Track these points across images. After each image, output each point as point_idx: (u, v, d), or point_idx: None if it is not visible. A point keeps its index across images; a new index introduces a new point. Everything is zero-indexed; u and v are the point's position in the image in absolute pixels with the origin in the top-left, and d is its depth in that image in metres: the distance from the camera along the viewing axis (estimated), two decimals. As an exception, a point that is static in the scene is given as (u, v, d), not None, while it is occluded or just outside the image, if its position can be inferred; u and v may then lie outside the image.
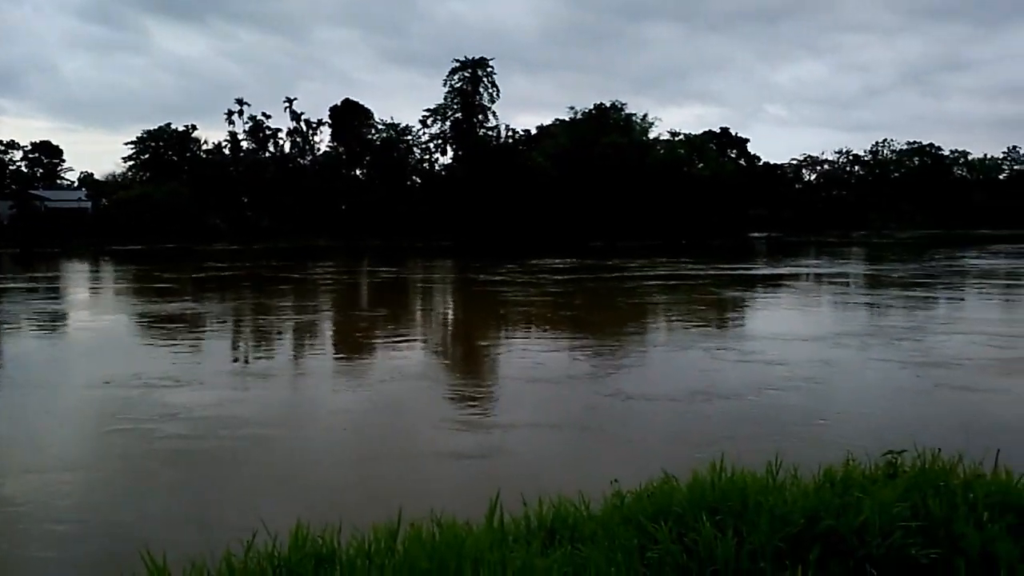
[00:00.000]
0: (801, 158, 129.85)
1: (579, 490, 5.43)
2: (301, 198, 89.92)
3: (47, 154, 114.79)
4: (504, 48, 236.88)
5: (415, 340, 19.42)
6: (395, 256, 57.50)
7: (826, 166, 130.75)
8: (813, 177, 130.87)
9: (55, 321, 23.39)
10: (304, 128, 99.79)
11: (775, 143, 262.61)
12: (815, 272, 42.75)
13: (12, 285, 34.37)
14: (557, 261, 47.94)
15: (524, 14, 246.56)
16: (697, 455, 6.85)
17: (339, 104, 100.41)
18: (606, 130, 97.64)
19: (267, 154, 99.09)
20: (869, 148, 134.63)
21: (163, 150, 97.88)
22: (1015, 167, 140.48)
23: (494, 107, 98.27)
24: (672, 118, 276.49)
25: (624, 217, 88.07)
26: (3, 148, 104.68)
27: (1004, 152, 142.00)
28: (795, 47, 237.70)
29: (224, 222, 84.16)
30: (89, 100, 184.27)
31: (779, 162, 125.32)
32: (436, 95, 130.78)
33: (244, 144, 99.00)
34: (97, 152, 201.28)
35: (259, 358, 17.78)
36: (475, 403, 12.74)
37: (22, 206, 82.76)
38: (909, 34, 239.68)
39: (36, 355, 18.14)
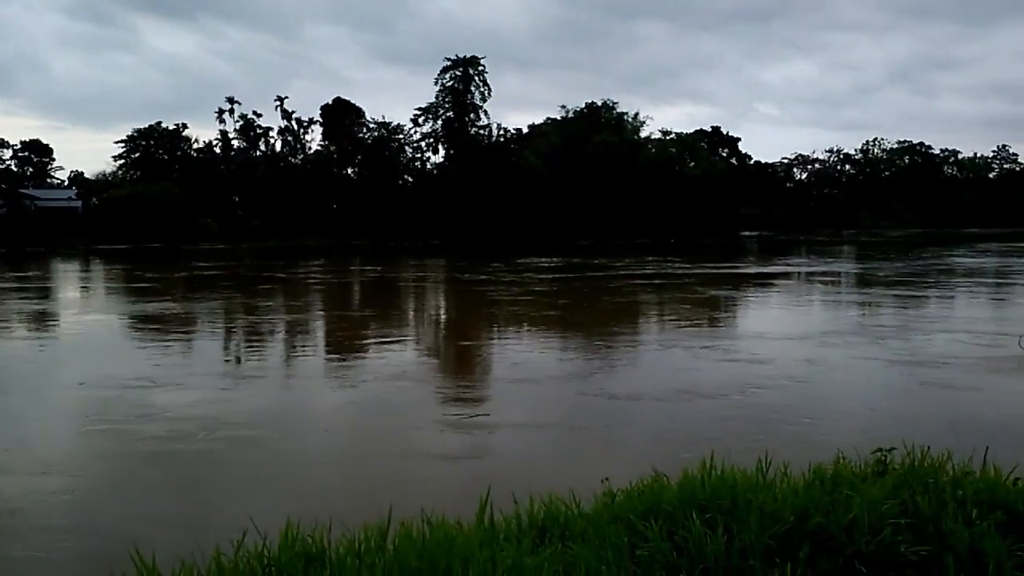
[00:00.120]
0: (792, 157, 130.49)
1: (570, 489, 5.43)
2: (292, 197, 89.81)
3: (37, 153, 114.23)
4: (495, 46, 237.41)
5: (394, 341, 19.14)
6: (383, 255, 57.38)
7: (817, 165, 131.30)
8: (804, 176, 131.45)
9: (32, 321, 23.07)
10: (295, 127, 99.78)
11: (766, 142, 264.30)
12: (802, 271, 42.81)
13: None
14: (544, 260, 47.91)
15: (515, 12, 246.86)
16: (684, 455, 6.85)
17: (330, 103, 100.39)
18: (598, 129, 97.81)
19: (258, 153, 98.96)
20: (860, 147, 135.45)
21: (153, 149, 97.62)
22: (1005, 166, 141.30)
23: (485, 106, 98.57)
24: (663, 117, 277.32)
25: (616, 216, 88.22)
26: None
27: (994, 151, 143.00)
28: (786, 46, 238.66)
29: (215, 221, 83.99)
30: (79, 98, 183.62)
31: (770, 161, 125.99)
32: (427, 94, 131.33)
33: (235, 143, 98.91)
34: (87, 151, 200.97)
35: (236, 359, 17.53)
36: (456, 404, 12.64)
37: (11, 205, 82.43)
38: (899, 33, 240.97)
39: (9, 355, 17.90)
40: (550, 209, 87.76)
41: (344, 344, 19.29)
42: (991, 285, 32.70)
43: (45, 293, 31.59)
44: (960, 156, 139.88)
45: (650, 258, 49.40)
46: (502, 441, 10.44)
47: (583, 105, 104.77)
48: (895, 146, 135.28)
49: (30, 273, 41.69)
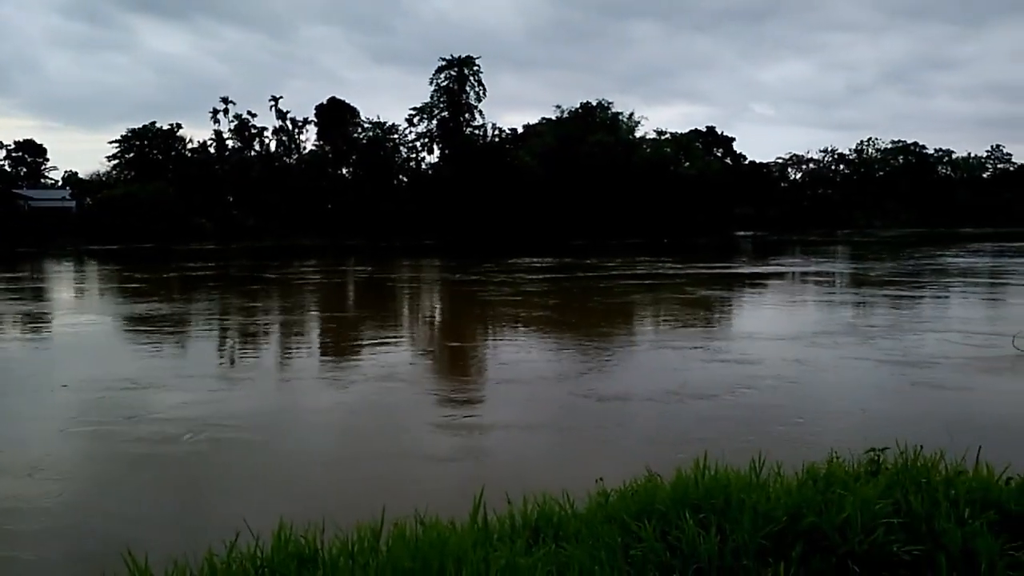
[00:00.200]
0: (787, 157, 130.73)
1: (563, 489, 5.43)
2: (287, 197, 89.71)
3: (31, 153, 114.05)
4: (490, 46, 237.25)
5: (382, 342, 18.90)
6: (375, 255, 57.20)
7: (811, 165, 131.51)
8: (799, 176, 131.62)
9: (15, 323, 22.77)
10: (290, 127, 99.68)
11: (761, 142, 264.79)
12: (793, 271, 42.74)
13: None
14: (536, 260, 47.82)
15: (510, 12, 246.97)
16: (676, 455, 6.83)
17: (325, 103, 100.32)
18: (592, 129, 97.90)
19: (253, 153, 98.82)
20: (854, 147, 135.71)
21: (148, 149, 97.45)
22: (999, 166, 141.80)
23: (480, 106, 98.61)
24: (658, 117, 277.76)
25: (610, 216, 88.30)
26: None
27: (987, 151, 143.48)
28: (780, 46, 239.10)
29: (210, 221, 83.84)
30: (73, 98, 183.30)
31: (765, 161, 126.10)
32: (422, 93, 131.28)
33: (229, 143, 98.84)
34: (81, 151, 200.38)
35: (222, 361, 17.30)
36: (445, 405, 12.52)
37: (5, 205, 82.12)
38: (893, 33, 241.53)
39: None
40: (545, 209, 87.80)
41: (332, 345, 19.15)
42: (982, 285, 32.71)
43: (31, 294, 31.20)
44: (954, 156, 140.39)
45: (642, 258, 49.29)
46: (492, 442, 10.35)
47: (578, 105, 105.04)
48: (889, 146, 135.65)
49: (18, 274, 41.37)
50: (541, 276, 37.10)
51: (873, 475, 5.36)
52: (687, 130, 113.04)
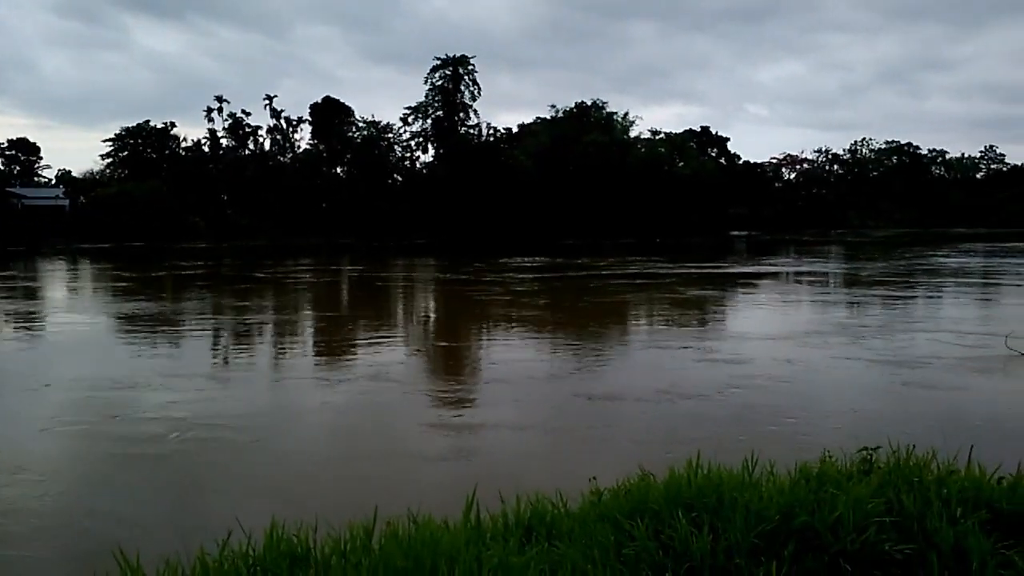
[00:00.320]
0: (781, 157, 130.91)
1: (556, 488, 5.43)
2: (281, 196, 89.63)
3: (24, 151, 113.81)
4: (486, 46, 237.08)
5: (369, 342, 18.84)
6: (367, 255, 57.06)
7: (806, 165, 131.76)
8: (793, 176, 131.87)
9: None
10: (284, 126, 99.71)
11: (755, 142, 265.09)
12: (784, 271, 42.71)
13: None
14: (527, 260, 47.77)
15: (505, 12, 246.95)
16: (667, 455, 6.84)
17: (319, 102, 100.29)
18: (587, 129, 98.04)
19: (247, 152, 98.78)
20: (848, 147, 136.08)
21: (142, 147, 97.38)
22: (992, 166, 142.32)
23: (475, 105, 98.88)
24: (653, 117, 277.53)
25: (605, 216, 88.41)
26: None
27: (981, 151, 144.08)
28: (775, 47, 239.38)
29: (203, 220, 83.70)
30: (67, 97, 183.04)
31: (759, 161, 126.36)
32: (417, 93, 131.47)
33: (224, 142, 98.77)
34: (75, 149, 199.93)
35: (208, 360, 17.01)
36: (433, 405, 12.41)
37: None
38: (888, 34, 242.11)
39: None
40: (539, 209, 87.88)
41: (319, 345, 18.98)
42: (973, 285, 32.73)
43: (17, 292, 30.92)
44: (948, 156, 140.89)
45: (634, 258, 49.22)
46: (481, 442, 10.27)
47: (573, 105, 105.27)
48: (883, 146, 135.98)
49: (5, 272, 41.08)
50: (531, 276, 36.99)
51: (865, 474, 5.37)
52: (682, 130, 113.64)
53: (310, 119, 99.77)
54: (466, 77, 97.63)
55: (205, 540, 4.60)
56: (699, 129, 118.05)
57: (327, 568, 4.18)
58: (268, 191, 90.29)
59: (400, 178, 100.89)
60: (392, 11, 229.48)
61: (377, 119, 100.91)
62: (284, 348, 18.71)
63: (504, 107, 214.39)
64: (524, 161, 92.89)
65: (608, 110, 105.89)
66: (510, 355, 17.02)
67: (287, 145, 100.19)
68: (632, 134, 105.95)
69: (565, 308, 25.49)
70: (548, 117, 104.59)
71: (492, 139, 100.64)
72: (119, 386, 13.44)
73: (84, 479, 8.96)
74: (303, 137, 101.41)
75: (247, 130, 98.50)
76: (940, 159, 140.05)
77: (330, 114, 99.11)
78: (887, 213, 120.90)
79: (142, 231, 73.85)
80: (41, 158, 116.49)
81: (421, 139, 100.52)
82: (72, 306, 27.48)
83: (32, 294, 30.95)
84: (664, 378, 13.75)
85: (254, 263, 48.08)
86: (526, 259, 48.41)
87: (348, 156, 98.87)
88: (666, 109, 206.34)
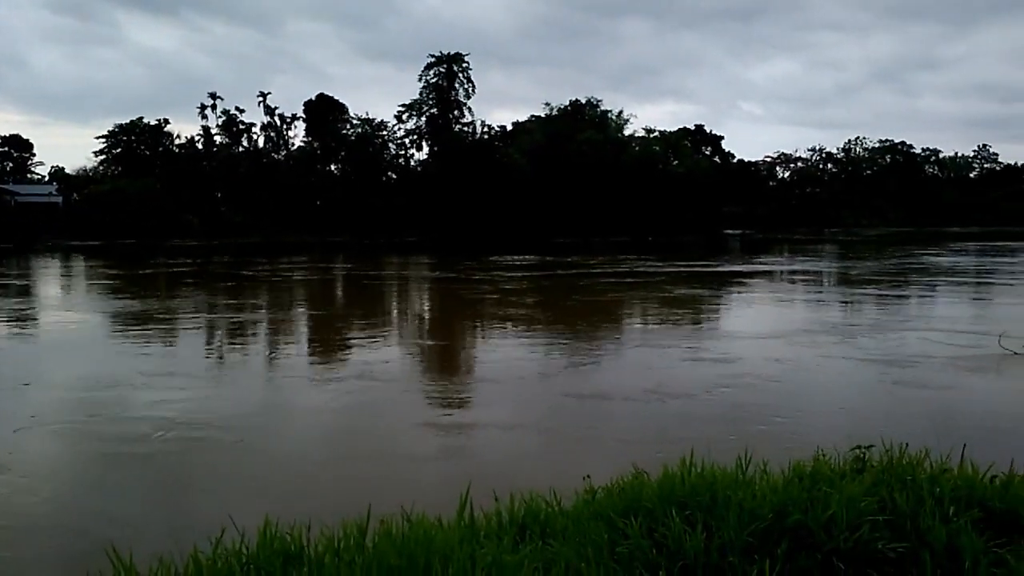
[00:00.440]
0: (775, 156, 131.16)
1: (550, 486, 5.43)
2: (275, 193, 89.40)
3: (17, 148, 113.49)
4: (480, 43, 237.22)
5: (355, 340, 18.72)
6: (359, 252, 56.94)
7: (799, 163, 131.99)
8: (787, 174, 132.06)
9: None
10: (278, 123, 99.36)
11: (749, 140, 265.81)
12: (775, 269, 42.71)
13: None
14: (518, 258, 47.74)
15: (500, 10, 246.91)
16: (656, 454, 6.81)
17: (314, 99, 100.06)
18: (581, 127, 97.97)
19: (240, 149, 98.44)
20: (842, 146, 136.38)
21: (135, 144, 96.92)
22: (985, 165, 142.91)
23: (470, 103, 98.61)
24: (647, 115, 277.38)
25: (599, 214, 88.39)
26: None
27: (975, 150, 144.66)
28: (769, 45, 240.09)
29: (197, 218, 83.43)
30: (60, 93, 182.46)
31: (753, 159, 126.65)
32: (411, 90, 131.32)
33: (217, 139, 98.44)
34: (68, 146, 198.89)
35: (187, 358, 16.72)
36: (421, 405, 12.32)
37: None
38: (881, 33, 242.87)
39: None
40: (533, 207, 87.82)
41: (302, 344, 18.87)
42: (962, 284, 32.75)
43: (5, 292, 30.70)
44: (941, 155, 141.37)
45: (625, 257, 49.21)
46: (470, 443, 10.22)
47: (567, 103, 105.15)
48: (877, 145, 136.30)
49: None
50: (521, 274, 36.90)
51: (859, 473, 5.38)
52: (676, 128, 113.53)
53: (304, 116, 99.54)
54: (460, 75, 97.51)
55: (192, 539, 4.58)
56: (693, 127, 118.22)
57: (320, 566, 4.18)
58: (262, 188, 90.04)
59: (394, 176, 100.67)
60: (385, 8, 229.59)
61: (371, 116, 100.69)
62: (268, 347, 18.51)
63: (498, 105, 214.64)
64: (518, 159, 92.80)
65: (602, 108, 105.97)
66: (498, 354, 16.97)
67: (281, 142, 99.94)
68: (626, 132, 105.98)
69: (553, 307, 25.36)
70: (542, 115, 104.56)
71: (486, 137, 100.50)
72: (100, 385, 13.35)
73: (59, 479, 8.86)
74: (297, 134, 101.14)
75: (241, 127, 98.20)
76: (934, 158, 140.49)
77: (324, 111, 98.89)
78: (881, 212, 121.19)
79: (136, 229, 73.57)
80: (34, 155, 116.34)
81: (415, 136, 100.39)
82: (56, 304, 27.32)
83: (17, 292, 30.70)
84: (652, 377, 13.70)
85: (243, 261, 47.78)
86: (516, 257, 48.40)
87: (342, 153, 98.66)
88: (660, 107, 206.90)
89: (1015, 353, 15.02)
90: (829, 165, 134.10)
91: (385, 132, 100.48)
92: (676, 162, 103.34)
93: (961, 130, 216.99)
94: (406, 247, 63.48)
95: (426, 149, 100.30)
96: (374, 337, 19.42)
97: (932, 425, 9.50)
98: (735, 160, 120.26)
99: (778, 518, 4.53)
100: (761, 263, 47.24)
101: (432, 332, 21.22)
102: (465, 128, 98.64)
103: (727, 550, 4.27)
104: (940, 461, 5.64)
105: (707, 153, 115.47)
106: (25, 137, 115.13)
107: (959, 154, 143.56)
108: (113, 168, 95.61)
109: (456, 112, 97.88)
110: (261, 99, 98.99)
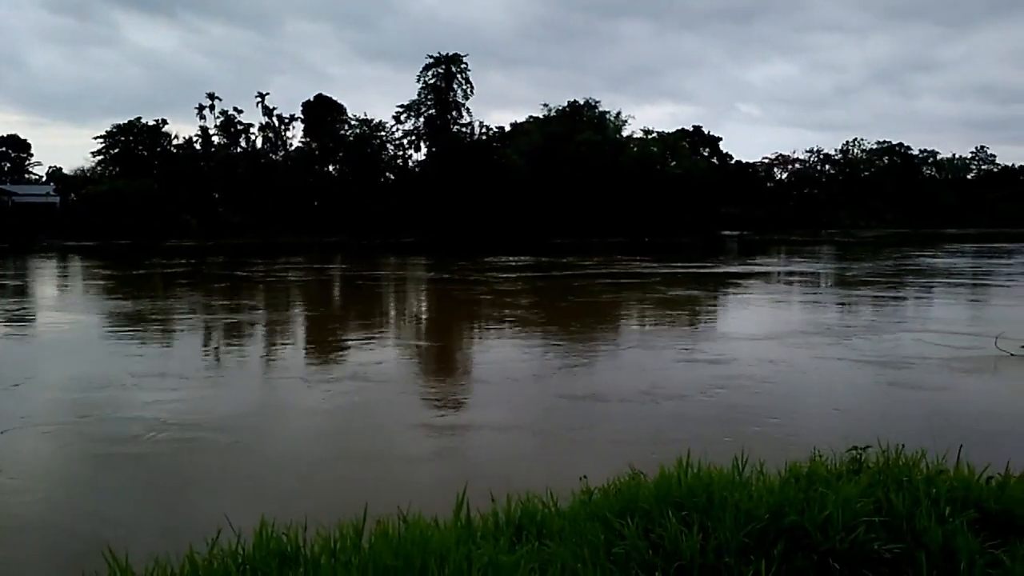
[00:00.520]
0: (773, 157, 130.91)
1: (547, 487, 5.43)
2: (273, 194, 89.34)
3: (15, 148, 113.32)
4: (477, 44, 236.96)
5: (345, 342, 18.61)
6: (355, 253, 56.90)
7: (797, 165, 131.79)
8: (785, 176, 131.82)
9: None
10: (276, 123, 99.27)
11: (747, 142, 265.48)
12: (770, 271, 42.63)
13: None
14: (513, 259, 47.72)
15: (498, 10, 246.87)
16: (651, 455, 6.80)
17: (312, 99, 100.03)
18: (580, 128, 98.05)
19: (239, 149, 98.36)
20: (840, 147, 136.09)
21: (133, 144, 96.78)
22: (983, 167, 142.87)
23: (468, 104, 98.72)
24: (645, 116, 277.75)
25: (597, 215, 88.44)
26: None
27: (972, 152, 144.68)
28: (767, 46, 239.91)
29: (195, 218, 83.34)
30: (58, 93, 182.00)
31: (751, 161, 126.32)
32: (410, 91, 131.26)
33: (215, 139, 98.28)
34: (66, 146, 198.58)
35: (176, 359, 16.60)
36: (413, 406, 12.27)
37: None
38: (879, 34, 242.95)
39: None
40: (531, 208, 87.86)
41: (294, 345, 18.84)
42: (956, 286, 32.70)
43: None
44: (939, 157, 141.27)
45: (621, 257, 49.20)
46: (463, 444, 10.19)
47: (565, 104, 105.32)
48: (875, 146, 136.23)
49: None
50: (515, 275, 36.86)
51: (855, 474, 5.38)
52: (674, 129, 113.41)
53: (302, 117, 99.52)
54: (459, 75, 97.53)
55: (184, 540, 4.58)
56: (691, 128, 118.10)
57: (317, 567, 4.18)
58: (260, 189, 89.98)
59: (392, 176, 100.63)
60: (384, 8, 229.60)
61: (369, 117, 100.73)
62: (260, 348, 18.46)
63: (496, 106, 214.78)
64: (516, 160, 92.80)
65: (601, 109, 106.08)
66: (491, 355, 16.98)
67: (279, 143, 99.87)
68: (625, 133, 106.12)
69: (547, 308, 25.29)
70: (540, 116, 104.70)
71: (484, 138, 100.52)
72: (91, 386, 13.31)
73: (50, 480, 8.84)
74: (295, 135, 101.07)
75: (239, 128, 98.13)
76: (931, 159, 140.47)
77: (322, 112, 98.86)
78: (878, 213, 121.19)
79: (133, 229, 73.50)
80: (32, 155, 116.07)
81: (413, 137, 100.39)
82: (47, 305, 27.24)
83: (11, 292, 30.55)
84: (647, 379, 13.68)
85: (238, 262, 47.61)
86: (512, 258, 48.39)
87: (340, 154, 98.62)
88: (658, 108, 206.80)
89: (1011, 354, 15.04)
90: (827, 166, 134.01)
91: (383, 133, 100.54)
92: (674, 163, 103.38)
93: (959, 131, 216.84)
94: (403, 248, 63.38)
95: (424, 150, 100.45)
96: (367, 338, 19.33)
97: (928, 426, 9.49)
98: (733, 161, 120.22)
99: (774, 519, 4.53)
100: (757, 264, 47.21)
101: (425, 333, 21.18)
102: (463, 129, 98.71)
103: (723, 551, 4.27)
104: (936, 462, 5.65)
105: (705, 154, 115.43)
106: (23, 137, 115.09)
107: (957, 156, 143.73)
108: (111, 168, 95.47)
109: (454, 113, 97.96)
110: (259, 99, 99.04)
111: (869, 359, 15.47)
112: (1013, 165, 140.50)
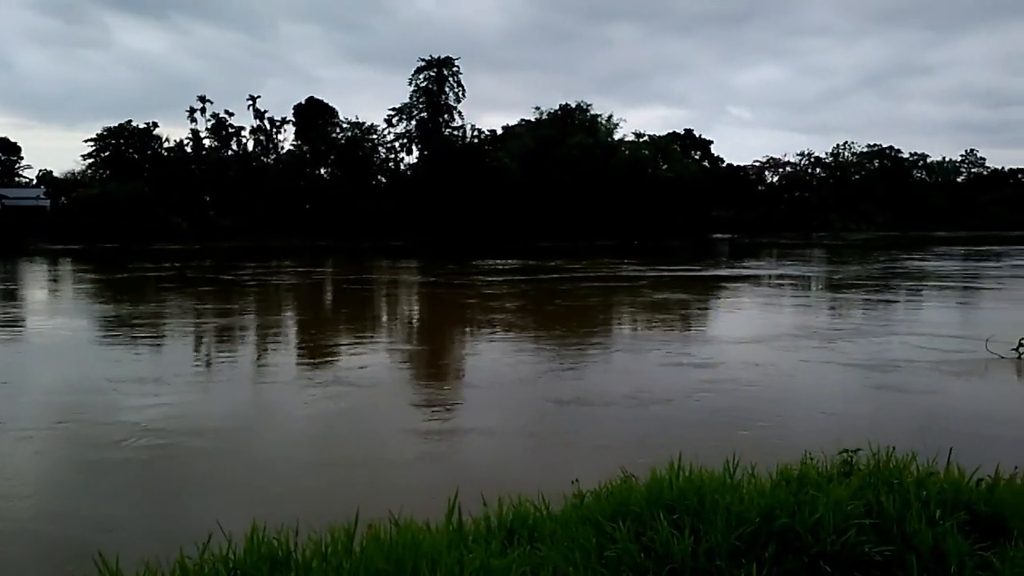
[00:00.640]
0: (764, 160, 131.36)
1: (539, 490, 5.43)
2: (264, 197, 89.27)
3: (5, 151, 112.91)
4: (468, 47, 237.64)
5: (328, 346, 18.51)
6: (344, 256, 56.79)
7: (788, 168, 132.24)
8: (776, 179, 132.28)
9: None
10: (267, 126, 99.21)
11: (739, 145, 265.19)
12: (760, 273, 42.57)
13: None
14: (500, 262, 47.68)
15: (490, 14, 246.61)
16: (639, 460, 6.79)
17: (303, 102, 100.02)
18: (571, 131, 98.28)
19: (230, 152, 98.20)
20: (830, 150, 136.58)
21: (124, 148, 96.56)
22: (972, 170, 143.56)
23: (460, 107, 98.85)
24: (636, 119, 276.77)
25: (589, 218, 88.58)
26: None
27: (962, 155, 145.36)
28: (757, 50, 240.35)
29: (186, 221, 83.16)
30: (48, 96, 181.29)
31: (742, 164, 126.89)
32: (401, 94, 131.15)
33: (207, 142, 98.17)
34: (57, 149, 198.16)
35: (155, 364, 16.42)
36: (402, 410, 12.18)
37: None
38: (869, 38, 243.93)
39: None
40: (523, 211, 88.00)
41: (276, 348, 18.70)
42: (948, 288, 32.79)
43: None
44: (929, 160, 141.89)
45: (609, 260, 49.15)
46: (449, 449, 10.14)
47: (557, 107, 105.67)
48: (865, 150, 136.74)
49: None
50: (502, 278, 36.77)
51: (846, 476, 5.39)
52: (665, 133, 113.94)
53: (294, 120, 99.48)
54: (450, 78, 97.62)
55: (168, 544, 4.56)
56: (683, 132, 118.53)
57: (308, 571, 4.17)
58: (251, 192, 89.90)
59: (384, 179, 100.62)
60: (375, 11, 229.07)
61: (361, 120, 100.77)
62: (242, 352, 18.31)
63: (488, 109, 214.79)
64: (508, 163, 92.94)
65: (592, 112, 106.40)
66: (476, 360, 16.93)
67: (270, 146, 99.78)
68: (616, 137, 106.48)
69: (531, 312, 25.21)
70: (532, 119, 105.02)
71: (476, 141, 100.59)
72: (69, 390, 13.24)
73: (27, 485, 8.74)
74: (287, 138, 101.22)
75: (230, 131, 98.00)
76: (921, 163, 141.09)
77: (314, 115, 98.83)
78: (869, 216, 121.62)
79: (124, 232, 73.33)
80: (22, 158, 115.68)
81: (405, 140, 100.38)
82: (28, 309, 26.95)
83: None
84: (632, 382, 13.63)
85: (225, 265, 47.29)
86: (500, 261, 48.37)
87: (332, 157, 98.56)
88: (649, 111, 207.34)
89: (1001, 357, 15.09)
90: (818, 170, 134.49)
91: (375, 136, 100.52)
92: (665, 166, 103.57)
93: (949, 135, 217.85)
94: (392, 251, 63.17)
95: (416, 153, 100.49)
96: (350, 342, 19.24)
97: (917, 429, 9.51)
98: (724, 165, 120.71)
99: (765, 521, 4.54)
100: (746, 267, 47.16)
101: (409, 337, 21.05)
102: (455, 132, 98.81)
103: (714, 554, 4.28)
104: (926, 465, 5.67)
105: (696, 158, 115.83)
106: (13, 140, 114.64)
107: (947, 159, 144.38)
108: (101, 171, 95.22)
109: (446, 116, 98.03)
110: (251, 102, 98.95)
111: (857, 362, 15.42)
112: (1003, 168, 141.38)
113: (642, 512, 4.77)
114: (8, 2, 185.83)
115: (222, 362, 16.94)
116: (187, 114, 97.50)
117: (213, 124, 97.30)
